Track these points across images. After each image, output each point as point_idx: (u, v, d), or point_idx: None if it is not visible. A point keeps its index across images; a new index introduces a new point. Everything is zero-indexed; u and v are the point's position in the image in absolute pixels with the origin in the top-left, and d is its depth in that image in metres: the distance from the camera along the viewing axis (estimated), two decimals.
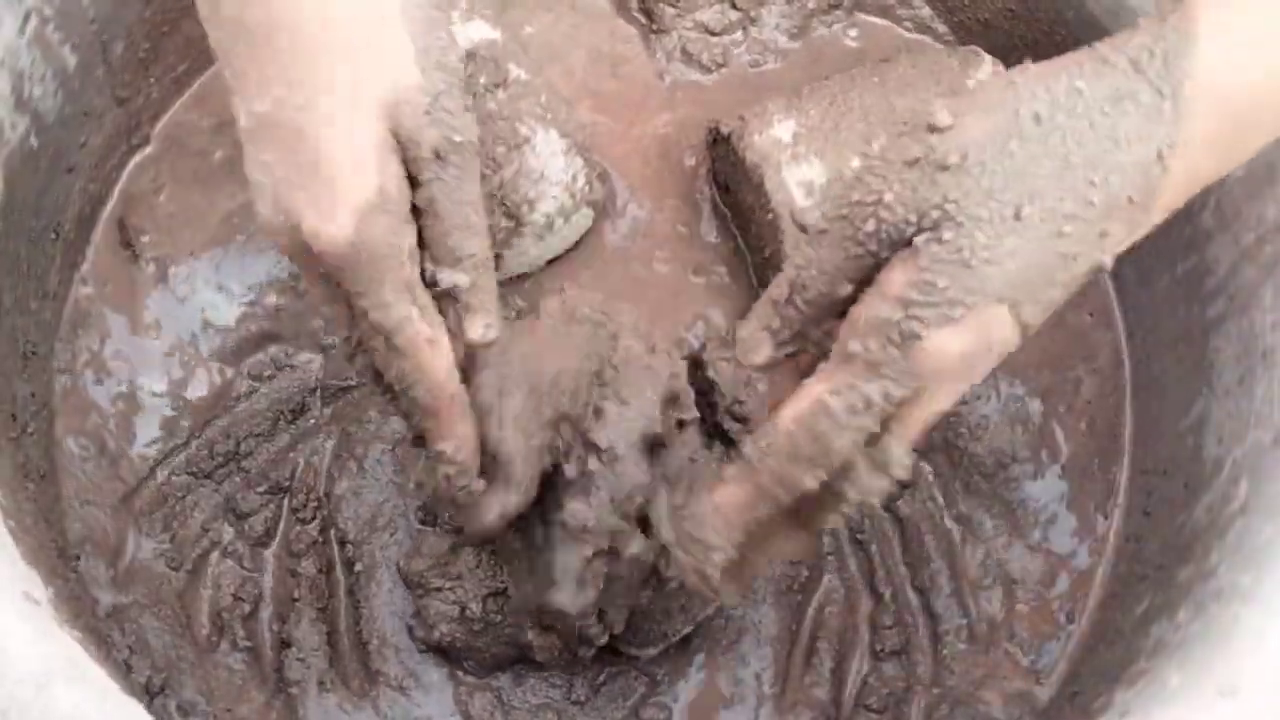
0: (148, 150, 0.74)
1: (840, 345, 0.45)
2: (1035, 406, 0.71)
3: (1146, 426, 0.70)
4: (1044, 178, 0.42)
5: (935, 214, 0.42)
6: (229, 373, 0.70)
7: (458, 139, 0.48)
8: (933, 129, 0.42)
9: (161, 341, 0.71)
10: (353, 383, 0.70)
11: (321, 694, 0.66)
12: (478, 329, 0.51)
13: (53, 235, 0.68)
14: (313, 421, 0.70)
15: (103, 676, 0.50)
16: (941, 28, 0.77)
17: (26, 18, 0.62)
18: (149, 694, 0.64)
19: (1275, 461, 0.57)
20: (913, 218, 0.43)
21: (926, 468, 0.70)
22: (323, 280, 0.50)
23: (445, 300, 0.50)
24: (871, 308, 0.44)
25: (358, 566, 0.67)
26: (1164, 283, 0.68)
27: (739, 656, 0.67)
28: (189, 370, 0.70)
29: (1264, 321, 0.61)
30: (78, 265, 0.72)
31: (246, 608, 0.67)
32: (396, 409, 0.54)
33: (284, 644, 0.66)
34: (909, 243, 0.43)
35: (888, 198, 0.43)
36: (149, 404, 0.70)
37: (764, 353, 0.49)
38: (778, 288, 0.48)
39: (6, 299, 0.64)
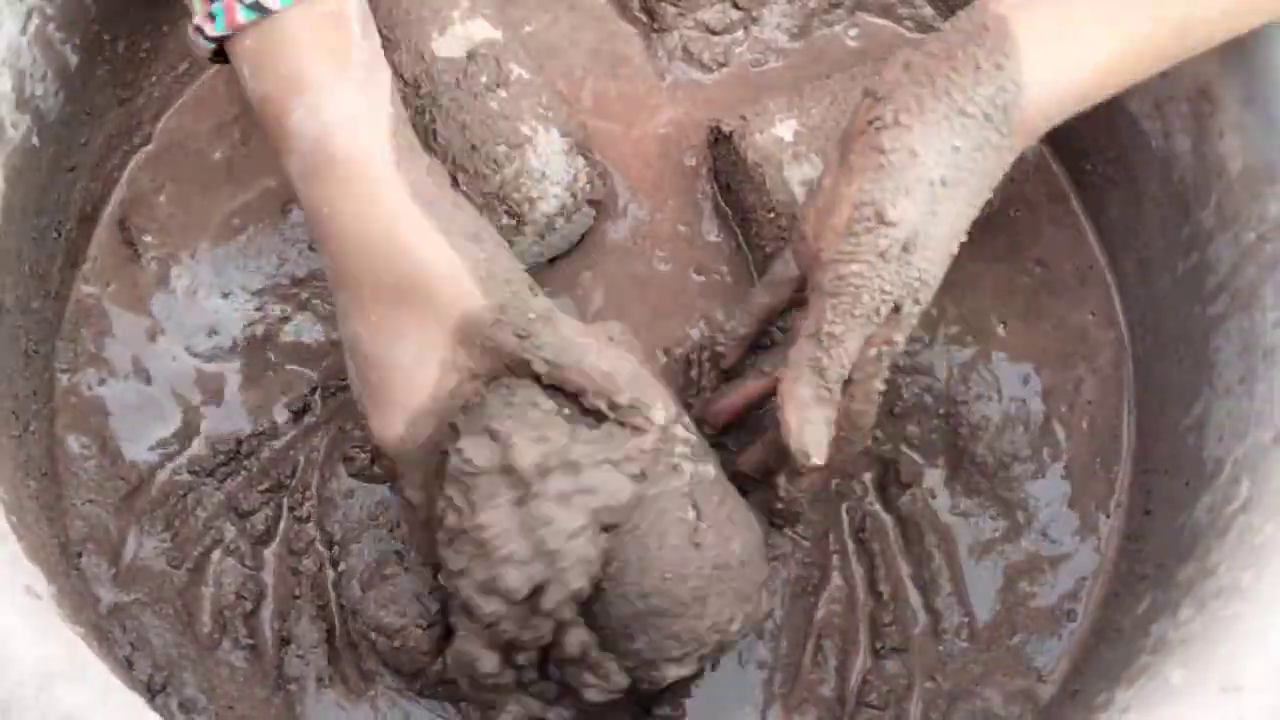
0: (149, 150, 0.74)
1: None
2: (1036, 406, 0.71)
3: (1148, 426, 0.70)
4: (959, 218, 0.57)
5: (916, 284, 0.56)
6: (230, 371, 0.70)
7: (531, 316, 0.57)
8: (884, 222, 0.55)
9: (163, 340, 0.71)
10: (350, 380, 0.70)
11: (320, 690, 0.66)
12: (659, 416, 0.58)
13: (54, 234, 0.68)
14: (313, 420, 0.70)
15: (104, 673, 0.50)
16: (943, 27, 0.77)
17: (28, 17, 0.62)
18: (150, 692, 0.64)
19: (1276, 460, 0.57)
20: (905, 293, 0.56)
21: (925, 464, 0.70)
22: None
23: (627, 414, 0.58)
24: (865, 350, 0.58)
25: (341, 566, 0.67)
26: (1165, 282, 0.69)
27: (753, 658, 0.67)
28: (190, 369, 0.70)
29: (1265, 320, 0.61)
30: (79, 264, 0.72)
31: (248, 605, 0.67)
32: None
33: (284, 641, 0.66)
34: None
35: (886, 287, 0.56)
36: (150, 403, 0.70)
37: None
38: (826, 409, 0.58)
39: (8, 298, 0.64)
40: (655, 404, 0.58)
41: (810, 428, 0.57)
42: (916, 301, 0.57)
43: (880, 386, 0.59)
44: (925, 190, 0.55)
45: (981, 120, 0.55)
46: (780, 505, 0.67)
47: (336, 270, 0.57)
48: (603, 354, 0.58)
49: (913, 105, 0.56)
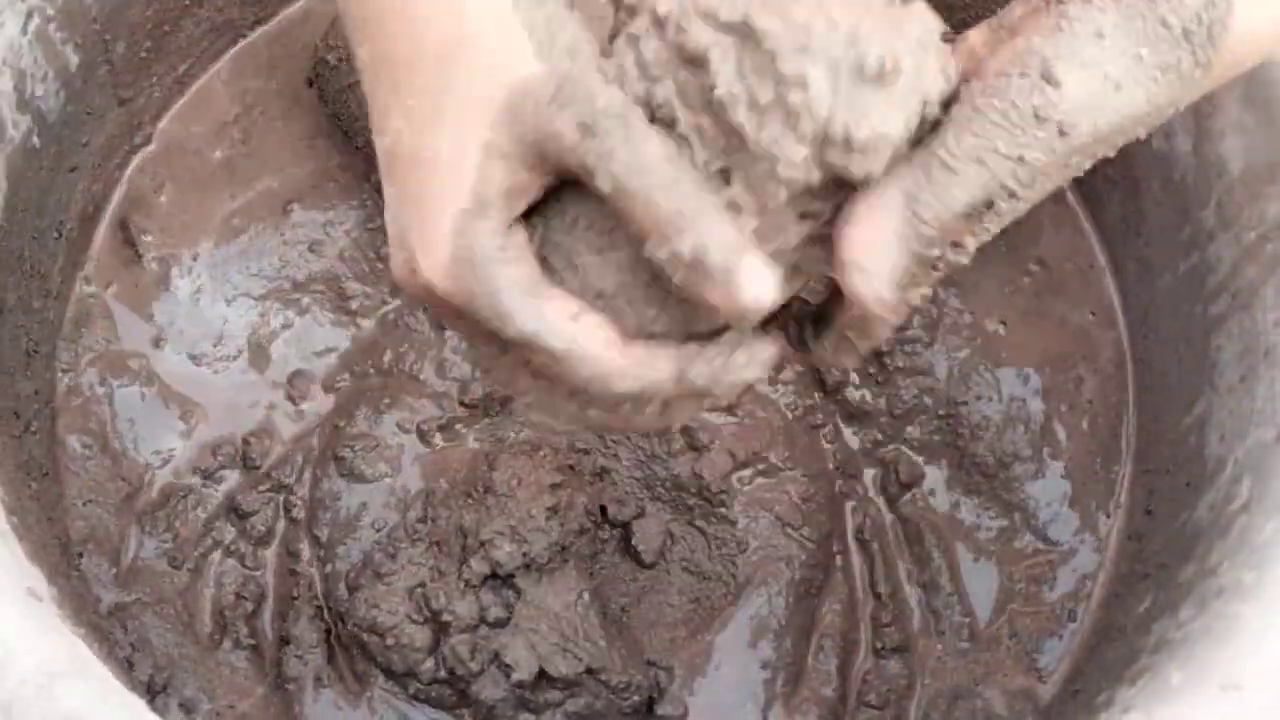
0: (149, 150, 0.74)
1: None
2: (1037, 406, 0.71)
3: (1148, 425, 0.70)
4: (1090, 146, 0.45)
5: (1028, 178, 0.44)
6: (231, 372, 0.70)
7: (601, 103, 0.41)
8: (1048, 79, 0.43)
9: (164, 341, 0.71)
10: (348, 382, 0.70)
11: (318, 690, 0.66)
12: (751, 288, 0.41)
13: (55, 234, 0.68)
14: (313, 422, 0.70)
15: (105, 674, 0.50)
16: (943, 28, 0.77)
17: (29, 16, 0.62)
18: (151, 692, 0.64)
19: (1277, 459, 0.57)
20: (1019, 179, 0.44)
21: (925, 464, 0.70)
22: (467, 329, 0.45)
23: (695, 278, 0.41)
24: None
25: (328, 569, 0.67)
26: (1166, 281, 0.68)
27: (756, 658, 0.67)
28: (191, 369, 0.70)
29: (1266, 320, 0.61)
30: (80, 264, 0.72)
31: (249, 606, 0.67)
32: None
33: (284, 641, 0.66)
34: None
35: (1026, 154, 0.43)
36: (152, 403, 0.70)
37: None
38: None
39: (10, 298, 0.64)
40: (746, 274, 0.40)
41: (881, 255, 0.42)
42: (1014, 196, 0.44)
43: (928, 292, 0.45)
44: (1099, 80, 0.43)
45: (1179, 36, 0.44)
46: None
47: (373, 50, 0.44)
48: (688, 196, 0.41)
49: None
